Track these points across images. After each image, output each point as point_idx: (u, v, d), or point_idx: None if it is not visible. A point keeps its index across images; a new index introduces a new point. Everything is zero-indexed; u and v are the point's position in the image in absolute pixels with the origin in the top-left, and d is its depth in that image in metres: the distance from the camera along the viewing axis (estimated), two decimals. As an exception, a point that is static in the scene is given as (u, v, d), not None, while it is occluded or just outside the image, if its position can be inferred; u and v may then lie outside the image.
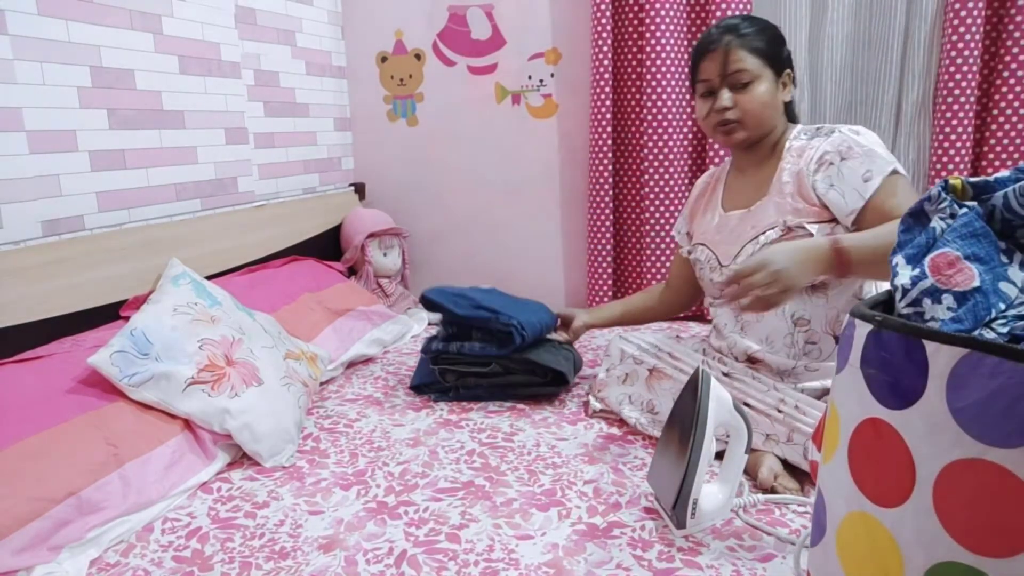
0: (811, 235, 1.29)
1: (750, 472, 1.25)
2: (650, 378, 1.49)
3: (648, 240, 2.34)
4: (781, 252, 1.16)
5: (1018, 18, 1.92)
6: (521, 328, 1.60)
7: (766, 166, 1.42)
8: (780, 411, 1.28)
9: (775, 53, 1.38)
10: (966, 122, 1.99)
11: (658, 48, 2.18)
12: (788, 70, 1.41)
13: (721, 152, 2.22)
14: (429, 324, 2.32)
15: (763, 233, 1.36)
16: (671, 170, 2.28)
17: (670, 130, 2.25)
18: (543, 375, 1.64)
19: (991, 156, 2.04)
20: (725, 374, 1.41)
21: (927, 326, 0.63)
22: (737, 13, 2.11)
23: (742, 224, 1.42)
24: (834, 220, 1.31)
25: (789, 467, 1.26)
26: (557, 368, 1.61)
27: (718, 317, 1.51)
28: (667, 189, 2.29)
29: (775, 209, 1.37)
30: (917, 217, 0.71)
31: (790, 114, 1.45)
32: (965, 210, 0.66)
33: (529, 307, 1.73)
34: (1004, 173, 0.67)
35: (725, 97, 1.37)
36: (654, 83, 2.21)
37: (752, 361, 1.42)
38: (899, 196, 1.25)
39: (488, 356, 1.63)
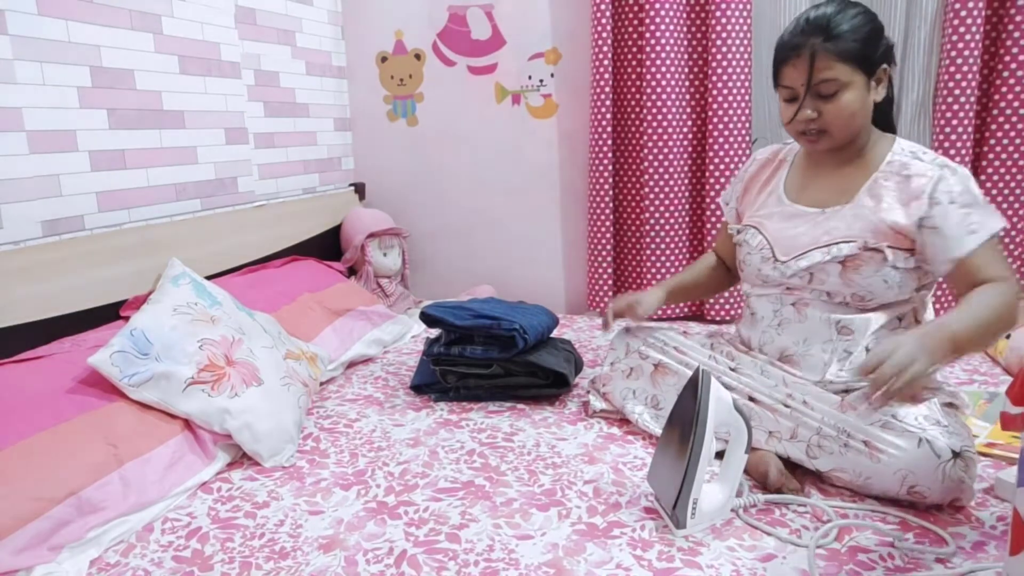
0: (886, 259, 1.24)
1: (751, 472, 1.25)
2: (655, 373, 1.47)
3: (648, 240, 2.34)
4: (899, 345, 1.08)
5: (1018, 18, 1.92)
6: (523, 332, 1.61)
7: (851, 169, 1.32)
8: (787, 406, 1.27)
9: (870, 53, 1.23)
10: (966, 122, 1.99)
11: (658, 48, 2.18)
12: (885, 65, 1.26)
13: (721, 154, 2.22)
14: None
15: (837, 244, 1.28)
16: (671, 170, 2.28)
17: (670, 130, 2.25)
18: (544, 377, 1.64)
19: (991, 156, 2.04)
20: (732, 368, 1.39)
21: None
22: (733, 19, 2.11)
23: (813, 225, 1.33)
24: (911, 249, 1.25)
25: (789, 466, 1.26)
26: (559, 370, 1.62)
27: (758, 309, 1.42)
28: (667, 189, 2.29)
29: (856, 221, 1.28)
30: None
31: (881, 113, 1.34)
32: None
33: (529, 311, 1.74)
34: None
35: (809, 108, 1.26)
36: (654, 83, 2.21)
37: (782, 359, 1.37)
38: (992, 264, 1.20)
39: (490, 358, 1.63)
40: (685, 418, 1.10)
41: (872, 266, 1.26)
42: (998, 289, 1.18)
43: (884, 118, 1.36)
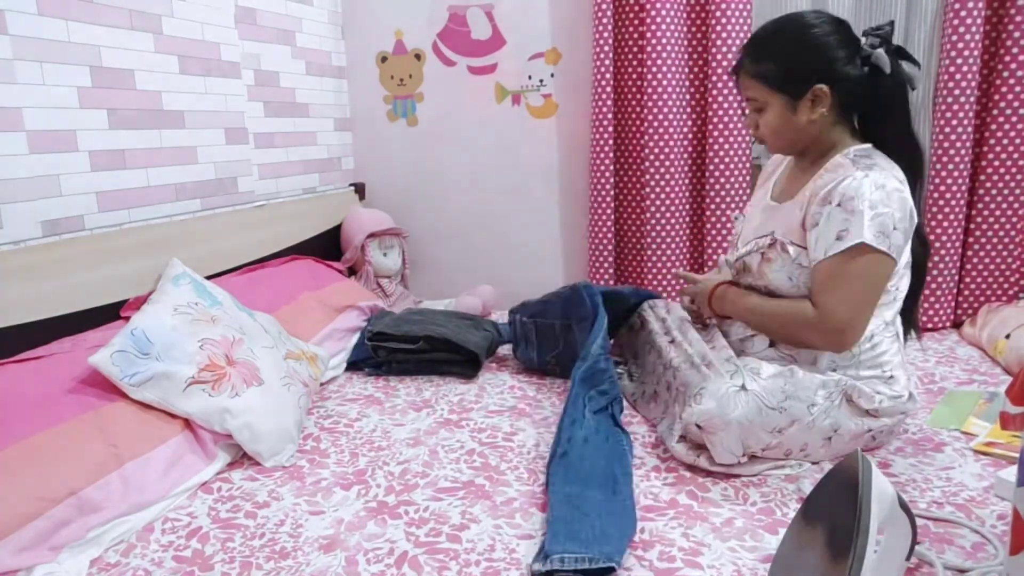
0: (789, 254, 1.30)
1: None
2: (639, 330, 1.71)
3: (649, 240, 2.34)
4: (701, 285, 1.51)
5: (1018, 18, 1.92)
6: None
7: (810, 170, 1.35)
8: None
9: (789, 75, 1.28)
10: (966, 122, 1.99)
11: (659, 48, 2.18)
12: (821, 86, 1.26)
13: (721, 154, 2.23)
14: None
15: (764, 237, 1.36)
16: (672, 170, 2.28)
17: (671, 130, 2.25)
18: (464, 354, 1.81)
19: (991, 156, 2.04)
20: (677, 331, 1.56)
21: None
22: (734, 18, 2.11)
23: (768, 218, 1.40)
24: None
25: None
26: (473, 349, 1.79)
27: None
28: (668, 189, 2.29)
29: (785, 217, 1.34)
30: None
31: (870, 121, 1.33)
32: None
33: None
34: None
35: (750, 117, 1.37)
36: (655, 83, 2.21)
37: (723, 332, 1.50)
38: (831, 287, 1.22)
39: (416, 335, 1.81)
40: (838, 520, 0.84)
41: (779, 262, 1.32)
42: (799, 308, 1.29)
43: (872, 127, 1.34)
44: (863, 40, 1.28)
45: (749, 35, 1.36)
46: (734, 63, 1.37)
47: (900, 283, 1.31)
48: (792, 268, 1.31)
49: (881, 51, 1.26)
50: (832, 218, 1.22)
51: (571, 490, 1.15)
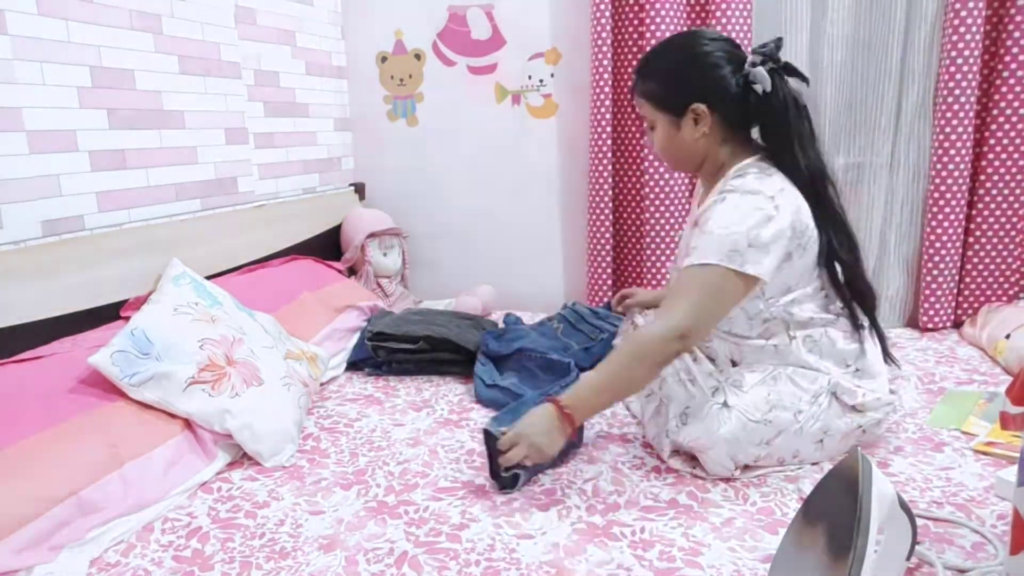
0: None
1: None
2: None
3: (648, 240, 2.34)
4: (530, 427, 1.20)
5: (1018, 18, 1.92)
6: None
7: (711, 190, 1.34)
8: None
9: (669, 95, 1.30)
10: (966, 122, 1.99)
11: (658, 48, 2.18)
12: (700, 104, 1.27)
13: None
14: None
15: (683, 257, 1.32)
16: (671, 170, 2.28)
17: (670, 130, 2.25)
18: (465, 354, 1.81)
19: (991, 156, 2.04)
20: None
21: None
22: (734, 18, 2.11)
23: (687, 237, 1.38)
24: None
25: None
26: (473, 349, 1.80)
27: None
28: (667, 189, 2.29)
29: (687, 238, 1.34)
30: None
31: (774, 139, 1.31)
32: None
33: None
34: None
35: (648, 137, 1.40)
36: (654, 83, 2.21)
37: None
38: (678, 296, 1.20)
39: (416, 335, 1.81)
40: (838, 520, 0.84)
41: None
42: (632, 341, 1.25)
43: (771, 143, 1.32)
44: (748, 59, 1.27)
45: (643, 56, 1.37)
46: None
47: (799, 283, 1.29)
48: None
49: (761, 69, 1.25)
50: (695, 235, 1.25)
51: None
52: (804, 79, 1.31)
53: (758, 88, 1.25)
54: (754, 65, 1.26)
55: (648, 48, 1.34)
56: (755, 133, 1.35)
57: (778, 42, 1.27)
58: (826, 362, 1.31)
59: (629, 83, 1.34)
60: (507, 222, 2.58)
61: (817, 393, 1.28)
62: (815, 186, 1.28)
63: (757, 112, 1.29)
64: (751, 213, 1.20)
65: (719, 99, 1.28)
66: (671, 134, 1.33)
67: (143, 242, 1.66)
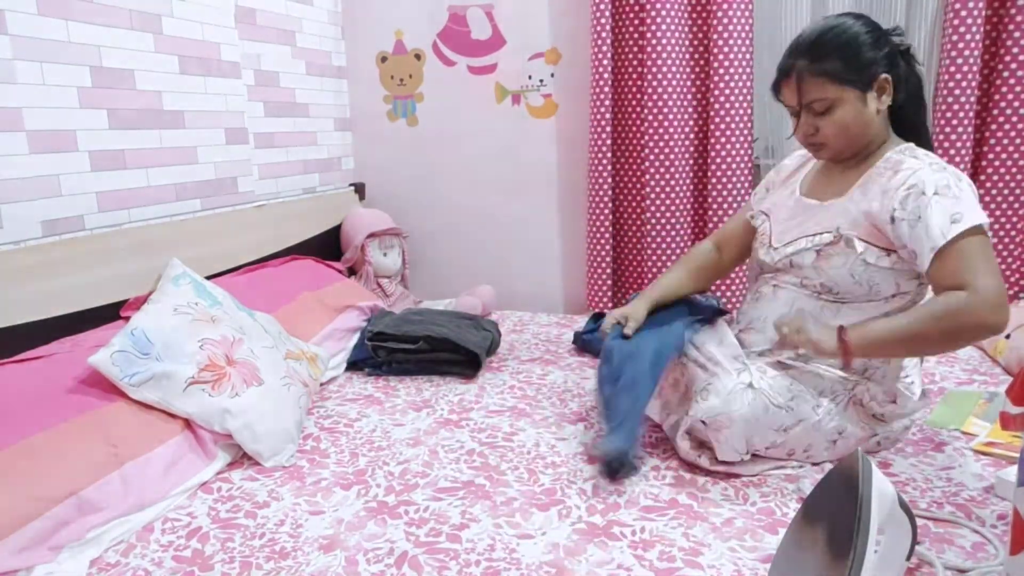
0: (856, 250, 1.27)
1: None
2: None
3: (648, 240, 2.33)
4: (816, 331, 1.22)
5: (1018, 18, 1.92)
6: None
7: (857, 168, 1.34)
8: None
9: (857, 68, 1.26)
10: (966, 122, 1.99)
11: (658, 48, 2.18)
12: (884, 75, 1.27)
13: (723, 154, 2.22)
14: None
15: (820, 234, 1.32)
16: (671, 170, 2.28)
17: (671, 130, 2.25)
18: (465, 354, 1.81)
19: (991, 156, 2.04)
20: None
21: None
22: (735, 18, 2.11)
23: (810, 216, 1.36)
24: (888, 249, 1.25)
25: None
26: (474, 349, 1.80)
27: (751, 288, 1.49)
28: (667, 189, 2.29)
29: (841, 214, 1.31)
30: None
31: (905, 116, 1.34)
32: None
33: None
34: None
35: (807, 124, 1.31)
36: (654, 83, 2.21)
37: (744, 329, 1.44)
38: (966, 268, 1.16)
39: (416, 336, 1.81)
40: (838, 520, 0.84)
41: (841, 257, 1.28)
42: (946, 300, 1.17)
43: (908, 121, 1.35)
44: (893, 39, 1.30)
45: (799, 38, 1.32)
46: (778, 73, 1.33)
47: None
48: (855, 264, 1.27)
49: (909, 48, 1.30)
50: (934, 207, 1.19)
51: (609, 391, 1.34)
52: (919, 67, 1.34)
53: (915, 66, 1.30)
54: (902, 44, 1.29)
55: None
56: None
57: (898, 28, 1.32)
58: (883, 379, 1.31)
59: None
60: (507, 222, 2.58)
61: (839, 392, 1.29)
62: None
63: (905, 90, 1.31)
64: (963, 179, 1.22)
65: (894, 70, 1.28)
66: (859, 109, 1.27)
67: (143, 242, 1.66)
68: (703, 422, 1.25)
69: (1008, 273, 2.11)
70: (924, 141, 1.35)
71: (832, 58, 1.27)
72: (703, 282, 1.61)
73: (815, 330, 1.22)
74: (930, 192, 1.20)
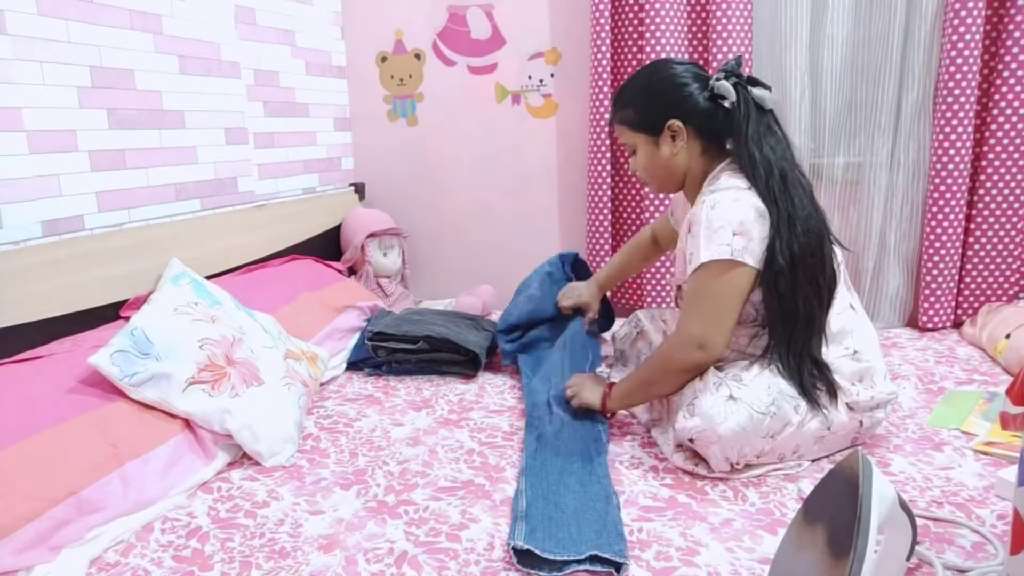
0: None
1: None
2: (636, 338, 1.79)
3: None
4: (586, 389, 1.48)
5: (1018, 18, 1.92)
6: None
7: (695, 203, 1.40)
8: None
9: (645, 116, 1.39)
10: (966, 122, 1.99)
11: (658, 48, 2.18)
12: (672, 121, 1.36)
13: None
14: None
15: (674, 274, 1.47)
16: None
17: (670, 130, 2.25)
18: (464, 353, 1.82)
19: (991, 156, 2.04)
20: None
21: None
22: (734, 18, 2.11)
23: (680, 256, 1.43)
24: None
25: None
26: (475, 349, 1.81)
27: None
28: (667, 189, 2.29)
29: (680, 253, 1.42)
30: None
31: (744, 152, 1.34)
32: None
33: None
34: None
35: (631, 163, 1.48)
36: (654, 83, 2.21)
37: None
38: (696, 297, 1.29)
39: (416, 336, 1.82)
40: (838, 520, 0.83)
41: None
42: (662, 345, 1.40)
43: (743, 157, 1.33)
44: (713, 77, 1.37)
45: (619, 87, 1.47)
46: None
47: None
48: None
49: (724, 82, 1.34)
50: (688, 242, 1.33)
51: (547, 483, 1.23)
52: (767, 87, 1.36)
53: (725, 102, 1.34)
54: (718, 80, 1.35)
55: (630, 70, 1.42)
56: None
57: (738, 60, 1.39)
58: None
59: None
60: (507, 222, 2.58)
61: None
62: (775, 187, 1.29)
63: (727, 123, 1.36)
64: (730, 206, 1.28)
65: (690, 113, 1.37)
66: (651, 153, 1.41)
67: (143, 242, 1.66)
68: (690, 439, 1.27)
69: (1008, 273, 2.11)
70: (747, 156, 1.32)
71: (626, 107, 1.43)
72: (643, 266, 1.98)
73: (588, 391, 1.47)
74: (694, 228, 1.31)
